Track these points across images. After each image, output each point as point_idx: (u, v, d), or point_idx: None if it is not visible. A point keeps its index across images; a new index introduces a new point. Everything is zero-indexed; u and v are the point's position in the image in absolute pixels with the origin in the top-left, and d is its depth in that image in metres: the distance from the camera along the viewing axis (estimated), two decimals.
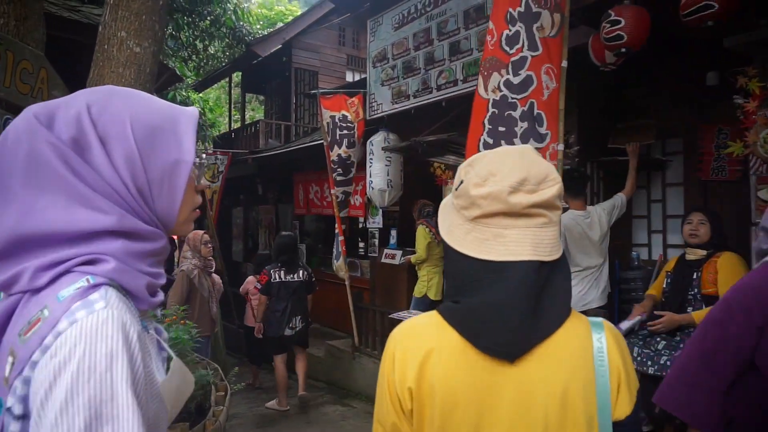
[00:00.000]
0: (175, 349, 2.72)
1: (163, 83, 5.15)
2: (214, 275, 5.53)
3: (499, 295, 0.87)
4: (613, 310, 4.48)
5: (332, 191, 6.07)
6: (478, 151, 3.61)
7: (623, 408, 0.89)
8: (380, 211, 6.96)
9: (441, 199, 6.21)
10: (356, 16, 7.42)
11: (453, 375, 0.88)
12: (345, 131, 6.12)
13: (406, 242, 6.65)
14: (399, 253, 6.72)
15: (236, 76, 11.94)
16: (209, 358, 5.03)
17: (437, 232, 5.97)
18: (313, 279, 5.69)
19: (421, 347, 0.92)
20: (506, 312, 0.86)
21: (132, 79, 2.27)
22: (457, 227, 0.94)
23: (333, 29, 10.28)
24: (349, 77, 10.51)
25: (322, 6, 9.62)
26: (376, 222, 7.08)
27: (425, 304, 5.96)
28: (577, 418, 0.86)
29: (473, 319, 0.89)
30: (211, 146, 10.56)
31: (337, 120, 6.09)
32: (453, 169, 6.19)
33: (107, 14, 2.28)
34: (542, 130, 3.58)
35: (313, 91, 6.02)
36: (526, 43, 3.52)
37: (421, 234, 5.86)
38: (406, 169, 6.54)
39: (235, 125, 11.80)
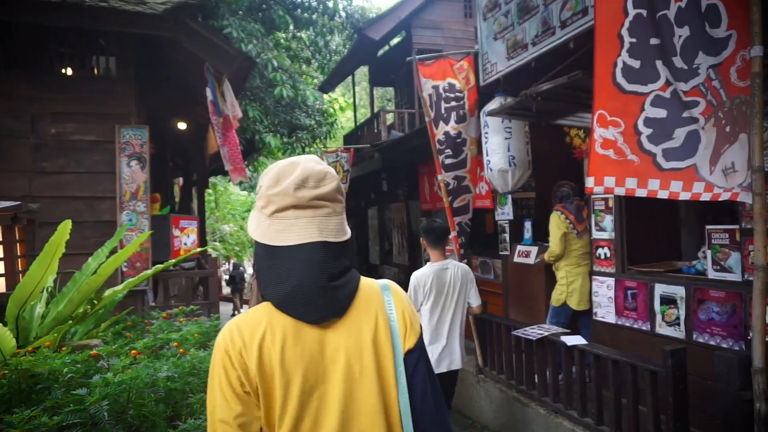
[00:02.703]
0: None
1: (238, 70, 4.60)
2: None
3: (301, 272, 1.06)
4: None
5: (439, 177, 4.99)
6: (614, 84, 2.28)
7: (410, 341, 1.14)
8: (509, 199, 5.67)
9: (583, 176, 4.72)
10: None
11: (290, 348, 1.05)
12: (453, 102, 5.00)
13: (545, 236, 5.27)
14: (534, 250, 5.36)
15: (365, 72, 11.42)
16: None
17: (577, 220, 4.52)
18: None
19: (256, 331, 1.06)
20: (309, 285, 1.05)
21: None
22: (261, 224, 1.11)
23: (457, 0, 9.14)
24: None
25: None
26: (505, 213, 5.80)
27: (565, 316, 4.55)
28: (386, 352, 1.11)
29: (290, 298, 1.06)
30: (339, 145, 10.19)
31: (441, 90, 5.00)
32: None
33: None
34: (719, 32, 2.10)
35: (408, 58, 4.99)
36: None
37: (554, 222, 4.49)
38: (540, 144, 5.18)
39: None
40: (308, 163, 1.11)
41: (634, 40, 2.16)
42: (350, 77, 10.82)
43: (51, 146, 4.73)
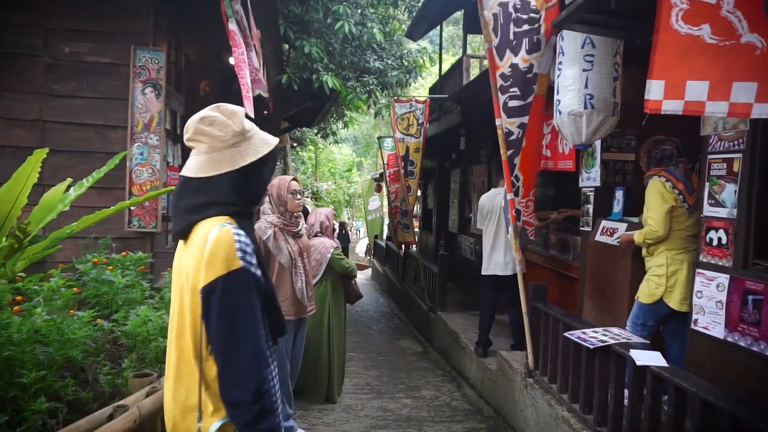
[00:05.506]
0: None
1: None
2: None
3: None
4: None
5: (497, 122, 3.89)
6: None
7: (202, 281, 1.31)
8: (597, 160, 4.40)
9: (698, 131, 3.33)
10: None
11: (177, 255, 1.47)
12: (525, 26, 3.82)
13: (637, 209, 3.94)
14: (622, 227, 4.08)
15: (459, 17, 10.15)
16: (289, 358, 3.62)
17: (687, 190, 3.23)
18: None
19: None
20: (172, 209, 1.44)
21: None
22: None
23: None
24: None
25: None
26: (591, 178, 4.53)
27: (656, 317, 3.34)
28: (190, 280, 1.35)
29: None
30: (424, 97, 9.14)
31: (511, 9, 3.83)
32: None
33: None
34: None
35: None
36: None
37: (657, 192, 3.25)
38: (644, 86, 3.85)
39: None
40: (197, 115, 1.42)
41: None
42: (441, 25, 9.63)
43: (64, 67, 4.32)
